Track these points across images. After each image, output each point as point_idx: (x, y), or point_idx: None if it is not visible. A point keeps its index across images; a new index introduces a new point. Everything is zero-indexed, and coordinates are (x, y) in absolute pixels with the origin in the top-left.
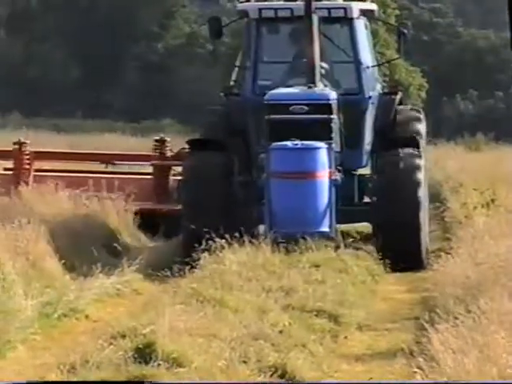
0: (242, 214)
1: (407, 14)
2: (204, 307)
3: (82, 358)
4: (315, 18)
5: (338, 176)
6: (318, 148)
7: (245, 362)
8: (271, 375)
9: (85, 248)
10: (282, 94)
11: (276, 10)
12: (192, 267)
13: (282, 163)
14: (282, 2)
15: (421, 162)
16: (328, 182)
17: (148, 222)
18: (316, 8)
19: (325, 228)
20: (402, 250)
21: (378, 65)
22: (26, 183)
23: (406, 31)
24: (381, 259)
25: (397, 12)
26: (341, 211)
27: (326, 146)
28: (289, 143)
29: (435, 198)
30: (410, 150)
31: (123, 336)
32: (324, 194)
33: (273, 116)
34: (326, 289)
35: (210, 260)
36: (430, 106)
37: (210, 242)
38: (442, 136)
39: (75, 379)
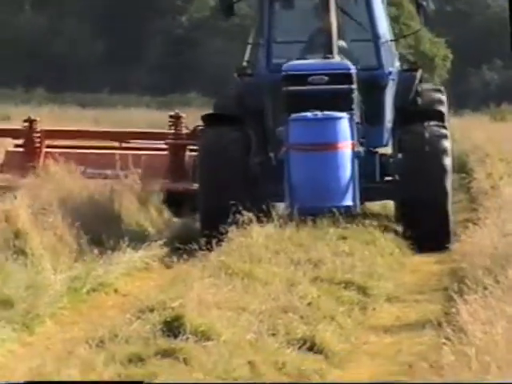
0: (260, 191)
1: None
2: (232, 280)
3: (111, 332)
4: None
5: (360, 149)
6: (340, 118)
7: (273, 334)
8: (300, 347)
9: (111, 223)
10: (300, 65)
11: None
12: (219, 240)
13: (302, 135)
14: None
15: (447, 132)
16: (351, 153)
17: (170, 198)
18: None
19: (348, 202)
20: (429, 226)
21: (397, 39)
22: (38, 161)
23: (424, 2)
24: (406, 239)
25: None
26: (363, 189)
27: (348, 116)
28: (309, 114)
29: (461, 168)
30: (435, 129)
31: (152, 310)
32: (347, 167)
33: (291, 88)
34: (354, 261)
35: (238, 233)
36: (456, 76)
37: (237, 215)
38: (467, 107)
39: (104, 353)
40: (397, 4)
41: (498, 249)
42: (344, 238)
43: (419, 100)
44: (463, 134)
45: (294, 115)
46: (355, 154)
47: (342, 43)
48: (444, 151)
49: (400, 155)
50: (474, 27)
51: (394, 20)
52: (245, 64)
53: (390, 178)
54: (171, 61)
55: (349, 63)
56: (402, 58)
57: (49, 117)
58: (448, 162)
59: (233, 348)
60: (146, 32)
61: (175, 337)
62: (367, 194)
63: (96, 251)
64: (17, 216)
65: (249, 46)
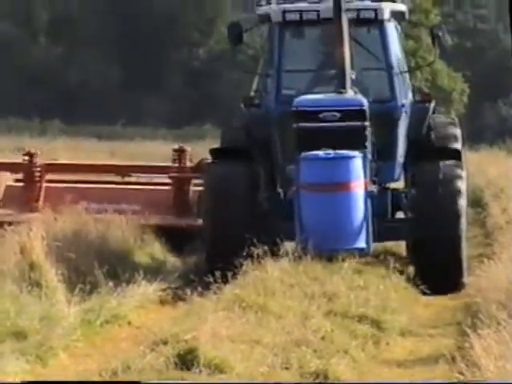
0: (269, 228)
1: (451, 20)
2: (246, 313)
3: (124, 364)
4: (345, 19)
5: (373, 187)
6: (353, 157)
7: (287, 368)
8: (313, 380)
9: (125, 256)
10: (312, 100)
11: (301, 12)
12: (234, 274)
13: (314, 174)
14: (306, 4)
15: (462, 172)
16: (363, 193)
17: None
18: (346, 9)
19: (361, 244)
20: (442, 270)
21: (411, 70)
22: (38, 196)
23: (440, 33)
24: (419, 281)
25: (438, 18)
26: (376, 228)
27: (361, 154)
28: (320, 153)
29: (476, 203)
30: (450, 161)
31: (165, 342)
32: (359, 207)
33: (302, 124)
34: (369, 295)
35: (252, 267)
36: (472, 111)
37: (252, 248)
38: (483, 141)
39: None
40: (415, 37)
41: None
42: (359, 271)
43: (432, 134)
44: (479, 168)
45: (305, 153)
46: (368, 194)
47: (354, 74)
48: (458, 192)
49: (413, 191)
50: (490, 62)
51: (411, 53)
52: (252, 94)
53: (402, 216)
54: (188, 93)
55: (362, 98)
56: (414, 89)
57: (64, 149)
58: (462, 203)
59: (246, 382)
60: (162, 63)
61: (188, 369)
62: (382, 234)
63: (110, 284)
64: (32, 248)
65: (257, 77)
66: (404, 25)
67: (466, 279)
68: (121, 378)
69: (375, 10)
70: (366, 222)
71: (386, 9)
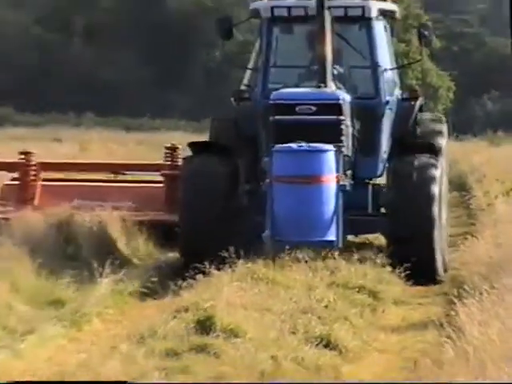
0: (247, 223)
1: (441, 25)
2: (258, 285)
3: (150, 329)
4: (328, 15)
5: (346, 181)
6: (325, 151)
7: (294, 333)
8: (317, 345)
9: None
10: (289, 94)
11: (289, 8)
12: (247, 249)
13: (286, 166)
14: (295, 0)
15: (436, 172)
16: (335, 187)
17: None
18: (332, 7)
19: (331, 237)
20: (414, 264)
21: (397, 68)
22: (33, 194)
23: (426, 33)
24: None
25: (429, 23)
26: (354, 221)
27: (335, 148)
28: (293, 145)
29: (462, 187)
30: (425, 159)
31: (186, 310)
32: (330, 200)
33: (278, 117)
34: (366, 269)
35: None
36: (460, 105)
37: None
38: (468, 133)
39: (144, 348)
40: (406, 41)
41: (493, 258)
42: (357, 248)
43: (418, 130)
44: (464, 156)
45: (278, 146)
46: (340, 188)
47: (340, 70)
48: (431, 188)
49: (388, 185)
50: (475, 62)
51: (403, 55)
52: (243, 88)
53: (384, 211)
54: (205, 89)
55: (339, 93)
56: (402, 87)
57: (98, 139)
58: (436, 198)
59: (258, 344)
60: (184, 63)
61: (207, 334)
62: (359, 227)
63: (135, 260)
64: (68, 226)
65: (248, 71)
66: (398, 28)
67: (441, 273)
68: (147, 341)
69: (362, 8)
70: (336, 215)
71: (374, 7)
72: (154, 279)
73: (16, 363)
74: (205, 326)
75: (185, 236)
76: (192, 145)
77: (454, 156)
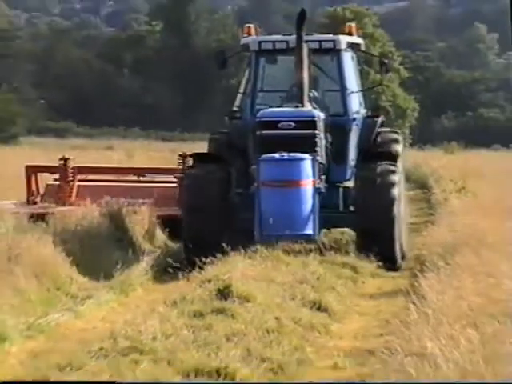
0: (238, 220)
1: (409, 60)
2: (265, 261)
3: (181, 296)
4: (305, 48)
5: (321, 185)
6: (303, 159)
7: (293, 299)
8: (311, 308)
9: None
10: (272, 112)
11: (274, 42)
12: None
13: (270, 173)
14: (279, 36)
15: (396, 177)
16: (312, 189)
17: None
18: (308, 40)
19: (309, 231)
20: (377, 253)
21: (362, 91)
22: (71, 193)
23: (386, 61)
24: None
25: (400, 59)
26: (327, 217)
27: (311, 157)
28: (276, 155)
29: (423, 186)
30: (386, 166)
31: (209, 281)
32: (308, 201)
33: (263, 132)
34: (348, 248)
35: None
36: (422, 122)
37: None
38: (429, 144)
39: (176, 310)
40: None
41: (448, 241)
42: (342, 233)
43: (379, 140)
44: (425, 162)
45: (264, 156)
46: (316, 190)
47: (315, 93)
48: (392, 185)
49: (355, 187)
50: (435, 89)
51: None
52: (235, 109)
53: (352, 209)
54: (223, 109)
55: (314, 111)
56: (368, 107)
57: (141, 148)
58: (396, 198)
59: (265, 308)
60: (207, 89)
61: (225, 299)
62: (332, 222)
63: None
64: (119, 214)
65: (239, 95)
66: (371, 61)
67: (399, 260)
68: (179, 304)
69: (334, 41)
70: (313, 213)
71: (343, 40)
72: (183, 257)
73: (77, 322)
74: (223, 293)
75: (187, 231)
76: (193, 155)
77: (418, 161)
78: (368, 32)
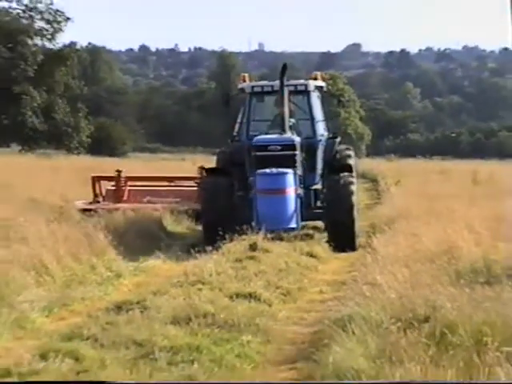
0: (240, 216)
1: (365, 105)
2: (275, 235)
3: (227, 248)
4: (285, 90)
5: (300, 191)
6: (287, 173)
7: (295, 250)
8: (306, 256)
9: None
10: (264, 139)
11: (262, 86)
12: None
13: (264, 183)
14: (266, 82)
15: (354, 186)
16: (294, 195)
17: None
18: (288, 85)
19: (293, 225)
20: (341, 239)
21: (325, 120)
22: (123, 194)
23: (342, 99)
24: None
25: (359, 104)
26: (305, 213)
27: (293, 172)
28: (268, 170)
29: (373, 180)
30: (346, 175)
31: (244, 240)
32: (291, 203)
33: (258, 153)
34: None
35: None
36: (373, 143)
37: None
38: (377, 156)
39: (224, 258)
40: (347, 111)
41: (390, 215)
42: (313, 227)
43: (338, 155)
44: (375, 167)
45: (259, 171)
46: (297, 195)
47: (293, 121)
48: (351, 192)
49: (325, 191)
50: (382, 122)
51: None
52: (235, 134)
53: (320, 205)
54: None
55: (294, 137)
56: (329, 131)
57: (202, 159)
58: (354, 199)
59: (278, 256)
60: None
61: (254, 251)
62: (307, 217)
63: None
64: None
65: (237, 124)
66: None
67: (357, 244)
68: (225, 254)
69: (305, 85)
70: (296, 212)
71: (311, 84)
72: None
73: (164, 265)
74: (252, 247)
75: (204, 221)
76: (206, 169)
77: (370, 166)
78: (339, 87)
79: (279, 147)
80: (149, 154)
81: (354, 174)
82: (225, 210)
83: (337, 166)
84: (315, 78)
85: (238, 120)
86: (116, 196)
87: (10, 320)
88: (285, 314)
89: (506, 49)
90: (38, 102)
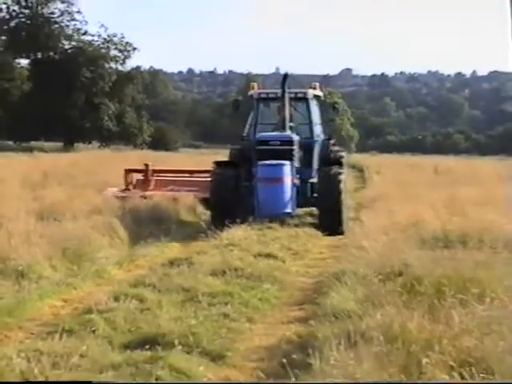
0: (245, 203)
1: (354, 114)
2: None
3: (249, 224)
4: (287, 96)
5: (297, 181)
6: (284, 164)
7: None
8: (309, 226)
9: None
10: (266, 135)
11: (268, 93)
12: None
13: (264, 173)
14: (271, 90)
15: (342, 176)
16: (291, 184)
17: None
18: (289, 92)
19: (289, 210)
20: (330, 224)
21: (322, 123)
22: (150, 184)
23: (337, 106)
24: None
25: (350, 113)
26: (301, 201)
27: (290, 163)
28: (268, 162)
29: (361, 170)
30: (336, 169)
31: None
32: (288, 191)
33: (260, 147)
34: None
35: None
36: (360, 143)
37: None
38: (364, 152)
39: (249, 228)
40: (334, 119)
41: (372, 196)
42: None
43: (331, 154)
44: (362, 160)
45: (260, 162)
46: (293, 185)
47: (293, 124)
48: (340, 182)
49: (318, 182)
50: (366, 128)
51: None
52: (245, 134)
53: (316, 195)
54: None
55: (291, 135)
56: (325, 134)
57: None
58: (342, 186)
59: (289, 227)
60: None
61: (271, 222)
62: (303, 204)
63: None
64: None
65: (247, 126)
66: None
67: (344, 229)
68: (251, 225)
69: (304, 93)
70: (291, 198)
71: (310, 93)
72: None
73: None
74: (262, 231)
75: (213, 207)
76: (216, 162)
77: (358, 159)
78: (335, 100)
79: (279, 142)
80: (194, 149)
81: (344, 168)
82: (231, 197)
83: (329, 160)
84: (314, 88)
85: (248, 122)
86: (144, 185)
87: (91, 271)
88: (295, 269)
89: (459, 73)
90: (112, 110)
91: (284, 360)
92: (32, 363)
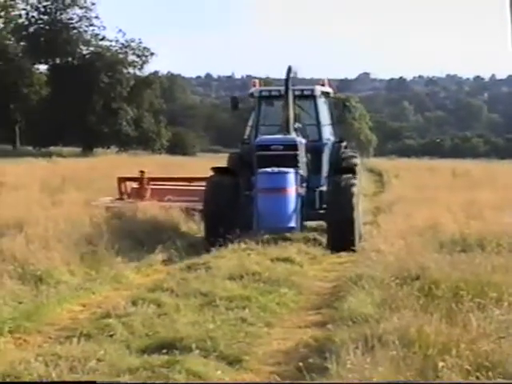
0: (245, 214)
1: (373, 118)
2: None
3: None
4: (291, 94)
5: (302, 191)
6: (288, 172)
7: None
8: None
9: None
10: (266, 139)
11: (270, 91)
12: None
13: (264, 182)
14: (274, 87)
15: (355, 182)
16: (295, 194)
17: None
18: (293, 89)
19: (292, 224)
20: (340, 243)
21: (331, 124)
22: (145, 193)
23: (347, 104)
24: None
25: (369, 117)
26: (308, 213)
27: (294, 171)
28: (269, 169)
29: (379, 174)
30: (348, 179)
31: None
32: (292, 203)
33: (260, 152)
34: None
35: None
36: (378, 146)
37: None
38: (382, 156)
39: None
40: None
41: (390, 200)
42: (312, 229)
43: (343, 159)
44: (380, 164)
45: (260, 170)
46: (298, 195)
47: (299, 125)
48: (352, 194)
49: (328, 191)
50: (386, 131)
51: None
52: (245, 137)
53: (325, 206)
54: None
55: (296, 138)
56: (336, 135)
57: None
58: (355, 200)
59: (307, 231)
60: None
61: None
62: (311, 217)
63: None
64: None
65: (247, 128)
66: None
67: (357, 244)
68: (263, 243)
69: (311, 90)
70: (295, 211)
71: (318, 89)
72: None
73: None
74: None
75: (206, 219)
76: (213, 169)
77: (377, 163)
78: (353, 105)
79: (281, 147)
80: (212, 153)
81: (357, 176)
82: (227, 208)
83: (341, 168)
84: (323, 85)
85: (249, 124)
86: (139, 194)
87: (109, 276)
88: (312, 273)
89: (477, 76)
90: (131, 115)
91: (301, 364)
92: (50, 367)
